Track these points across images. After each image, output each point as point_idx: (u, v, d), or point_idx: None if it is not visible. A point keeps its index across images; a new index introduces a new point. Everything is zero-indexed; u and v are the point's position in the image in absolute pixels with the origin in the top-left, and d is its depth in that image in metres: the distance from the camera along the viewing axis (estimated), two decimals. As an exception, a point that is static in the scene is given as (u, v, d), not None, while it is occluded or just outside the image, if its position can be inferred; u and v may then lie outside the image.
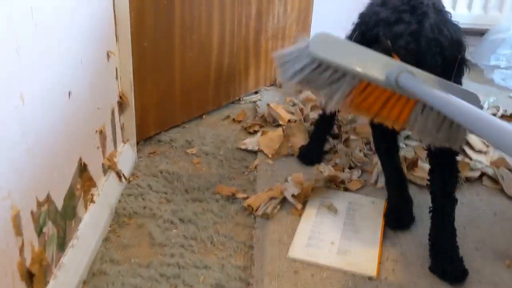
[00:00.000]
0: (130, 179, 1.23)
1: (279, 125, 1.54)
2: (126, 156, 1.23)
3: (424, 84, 0.80)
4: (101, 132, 1.05)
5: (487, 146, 1.41)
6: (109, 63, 1.09)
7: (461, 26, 0.94)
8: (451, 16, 0.96)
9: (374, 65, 0.86)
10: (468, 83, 2.00)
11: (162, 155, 1.36)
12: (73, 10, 0.87)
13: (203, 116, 1.60)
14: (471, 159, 1.35)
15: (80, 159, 0.93)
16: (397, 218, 1.09)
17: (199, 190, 1.21)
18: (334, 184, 1.23)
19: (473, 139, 1.42)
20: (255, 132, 1.52)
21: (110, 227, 1.07)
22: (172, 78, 1.43)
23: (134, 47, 1.22)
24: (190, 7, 1.40)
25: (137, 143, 1.36)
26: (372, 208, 1.15)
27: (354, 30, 1.05)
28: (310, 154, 1.35)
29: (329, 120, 1.35)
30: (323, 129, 1.36)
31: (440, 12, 0.94)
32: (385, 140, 1.08)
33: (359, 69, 0.85)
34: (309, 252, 1.01)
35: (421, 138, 0.96)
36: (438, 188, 0.99)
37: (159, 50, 1.34)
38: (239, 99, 1.75)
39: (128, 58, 1.19)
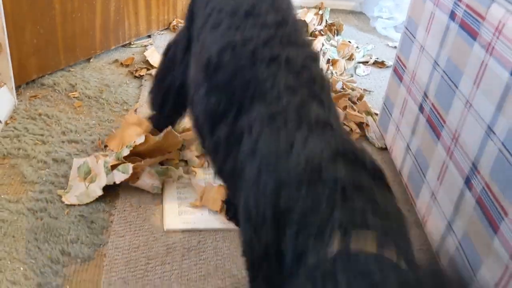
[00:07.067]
0: (8, 122, 1.28)
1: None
2: (2, 99, 1.27)
3: None
4: (-33, 77, 1.09)
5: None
6: (-28, 8, 1.11)
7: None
8: None
9: None
10: (355, 31, 2.18)
11: (43, 98, 1.41)
12: None
13: (90, 60, 1.64)
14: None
15: None
16: None
17: (77, 132, 1.29)
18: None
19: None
20: (141, 76, 1.59)
21: (-17, 167, 1.13)
22: (53, 24, 1.44)
23: (5, -8, 1.23)
24: (67, -49, 1.40)
25: (18, 86, 1.39)
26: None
27: None
28: None
29: None
30: None
31: None
32: None
33: None
34: (184, 220, 1.06)
35: None
36: None
37: (35, -5, 1.35)
38: (130, 43, 1.79)
39: (-2, 4, 1.20)
